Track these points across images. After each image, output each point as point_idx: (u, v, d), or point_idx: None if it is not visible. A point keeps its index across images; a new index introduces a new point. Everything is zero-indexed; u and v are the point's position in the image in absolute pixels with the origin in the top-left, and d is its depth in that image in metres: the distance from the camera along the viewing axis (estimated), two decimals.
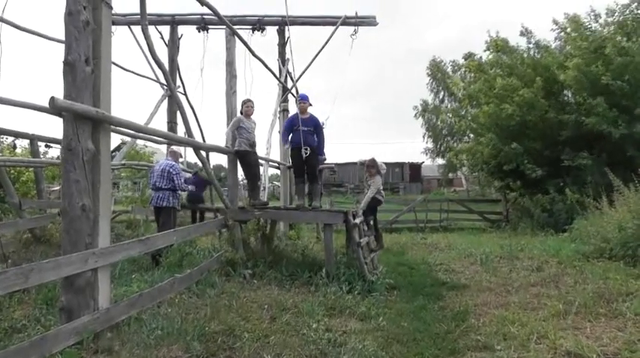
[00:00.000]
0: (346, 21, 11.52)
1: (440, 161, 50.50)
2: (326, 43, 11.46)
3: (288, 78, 11.95)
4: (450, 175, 51.20)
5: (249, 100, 7.96)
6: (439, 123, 44.88)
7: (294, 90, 11.79)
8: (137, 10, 11.04)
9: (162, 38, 11.62)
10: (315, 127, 7.90)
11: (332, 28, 11.68)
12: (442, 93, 47.49)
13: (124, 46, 13.10)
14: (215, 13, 6.88)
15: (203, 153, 6.86)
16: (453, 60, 44.64)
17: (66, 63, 4.22)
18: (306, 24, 11.87)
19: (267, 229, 8.03)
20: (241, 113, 7.89)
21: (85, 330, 4.02)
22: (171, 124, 11.56)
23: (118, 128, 5.04)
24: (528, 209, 15.22)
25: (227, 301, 5.56)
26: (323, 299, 5.80)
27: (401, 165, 57.90)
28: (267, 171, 10.94)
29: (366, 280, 6.67)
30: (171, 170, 8.05)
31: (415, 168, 58.50)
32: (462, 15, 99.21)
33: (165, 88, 11.66)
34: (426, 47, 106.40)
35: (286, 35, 11.90)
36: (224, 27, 8.18)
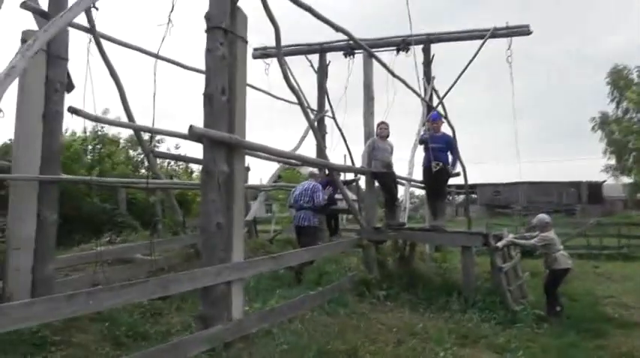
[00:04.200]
0: (495, 33, 10.90)
1: (626, 179, 44.38)
2: (474, 57, 10.99)
3: (434, 96, 11.70)
4: (639, 196, 44.65)
5: (382, 122, 8.02)
6: (623, 136, 39.54)
7: (440, 109, 11.50)
8: (292, 41, 12.10)
9: (311, 66, 12.33)
10: (446, 144, 7.69)
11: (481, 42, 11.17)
12: (625, 103, 41.99)
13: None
14: (349, 36, 7.10)
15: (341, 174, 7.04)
16: None
17: (205, 94, 4.71)
18: (452, 40, 11.55)
19: (405, 250, 7.87)
20: (377, 135, 7.96)
21: (217, 339, 4.35)
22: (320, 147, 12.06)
23: (251, 151, 5.42)
24: None
25: (356, 321, 5.55)
26: (455, 326, 5.47)
27: (577, 184, 52.35)
28: (407, 192, 10.77)
29: (508, 309, 6.11)
30: (314, 188, 8.34)
31: (595, 187, 52.34)
32: None
33: (315, 112, 12.27)
34: (603, 54, 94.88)
35: (431, 53, 11.74)
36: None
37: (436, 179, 7.67)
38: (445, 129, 9.70)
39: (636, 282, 9.47)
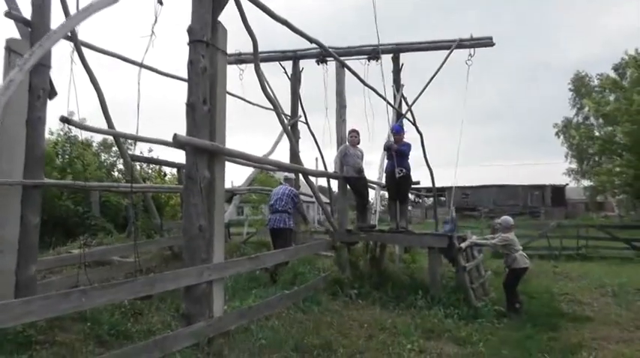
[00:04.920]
0: (461, 44, 11.45)
1: (586, 183, 46.07)
2: (440, 67, 11.51)
3: (403, 103, 12.18)
4: (598, 198, 46.47)
5: (353, 131, 8.40)
6: (580, 142, 41.08)
7: (409, 115, 12.00)
8: (267, 48, 12.38)
9: (285, 72, 12.64)
10: (407, 151, 8.20)
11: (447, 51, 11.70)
12: (586, 109, 43.64)
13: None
14: (323, 47, 7.47)
15: (312, 178, 7.38)
16: (601, 73, 40.73)
17: (188, 104, 4.97)
18: (420, 50, 12.04)
19: (376, 252, 8.26)
20: (348, 142, 8.33)
21: (200, 335, 4.62)
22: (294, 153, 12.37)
23: (231, 158, 5.70)
24: None
25: (329, 318, 5.89)
26: (421, 322, 5.87)
27: (541, 187, 54.14)
28: (378, 196, 11.20)
29: (471, 305, 6.56)
30: (291, 194, 8.63)
31: (558, 190, 54.22)
32: (609, 25, 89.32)
33: (289, 117, 12.59)
34: (572, 61, 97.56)
35: (400, 62, 12.24)
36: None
37: (400, 185, 8.11)
38: (413, 135, 10.17)
39: (590, 280, 10.07)
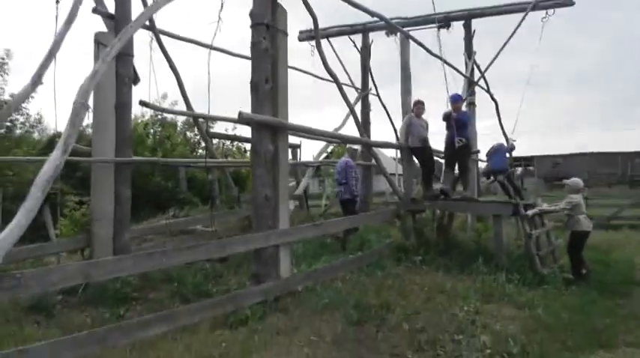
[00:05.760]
0: (537, 5, 10.93)
1: None
2: (514, 31, 11.08)
3: (476, 70, 11.89)
4: None
5: (419, 102, 8.42)
6: None
7: (482, 83, 11.73)
8: (333, 23, 12.57)
9: (355, 46, 12.79)
10: (467, 120, 8.13)
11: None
12: None
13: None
14: (385, 20, 7.56)
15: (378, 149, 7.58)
16: None
17: (251, 83, 5.40)
18: (493, 14, 11.64)
19: (444, 220, 8.36)
20: (412, 111, 8.39)
21: (269, 292, 5.11)
22: (365, 124, 12.56)
23: (295, 132, 6.09)
24: None
25: (391, 281, 6.15)
26: (481, 286, 5.96)
27: None
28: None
29: (537, 272, 6.52)
30: (345, 166, 8.76)
31: None
32: None
33: (359, 90, 12.79)
34: None
35: (472, 28, 11.91)
36: (408, 29, 8.86)
37: (460, 154, 8.06)
38: (485, 103, 9.97)
39: None
